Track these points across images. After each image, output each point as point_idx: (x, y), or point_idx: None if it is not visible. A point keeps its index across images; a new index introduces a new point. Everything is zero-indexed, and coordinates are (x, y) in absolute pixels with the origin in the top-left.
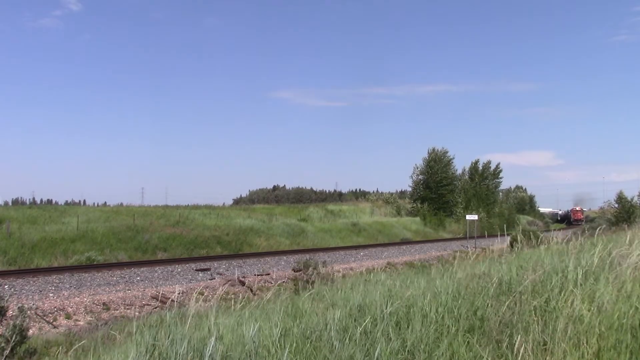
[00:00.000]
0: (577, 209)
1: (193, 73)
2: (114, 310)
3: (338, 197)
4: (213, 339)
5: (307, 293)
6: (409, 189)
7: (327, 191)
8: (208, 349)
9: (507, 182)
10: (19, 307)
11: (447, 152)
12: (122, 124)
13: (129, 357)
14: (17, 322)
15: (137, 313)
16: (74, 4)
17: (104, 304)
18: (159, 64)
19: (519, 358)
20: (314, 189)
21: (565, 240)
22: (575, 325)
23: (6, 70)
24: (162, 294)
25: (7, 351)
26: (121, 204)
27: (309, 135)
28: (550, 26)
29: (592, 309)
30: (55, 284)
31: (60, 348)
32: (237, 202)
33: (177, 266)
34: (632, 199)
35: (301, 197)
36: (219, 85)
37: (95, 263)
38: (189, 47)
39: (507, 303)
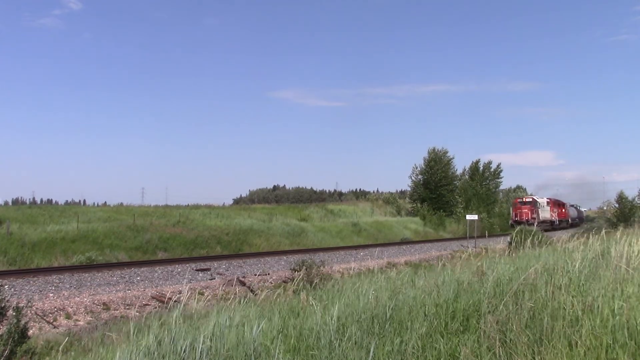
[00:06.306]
0: (525, 200)
1: (193, 73)
2: (114, 310)
3: (338, 197)
4: (213, 338)
5: (306, 293)
6: (409, 189)
7: (327, 191)
8: (207, 348)
9: (507, 182)
10: (13, 307)
11: (447, 152)
12: (122, 124)
13: (128, 357)
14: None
15: (137, 313)
16: (74, 3)
17: (104, 304)
18: (159, 64)
19: (515, 357)
20: (314, 189)
21: (564, 241)
22: (572, 324)
23: (6, 70)
24: (162, 294)
25: (7, 352)
26: (121, 204)
27: (309, 135)
28: (550, 26)
29: (588, 308)
30: (55, 284)
31: (61, 348)
32: (237, 202)
33: (177, 266)
34: (632, 199)
35: (301, 197)
36: (219, 85)
37: (95, 263)
38: (189, 47)
39: (503, 302)
